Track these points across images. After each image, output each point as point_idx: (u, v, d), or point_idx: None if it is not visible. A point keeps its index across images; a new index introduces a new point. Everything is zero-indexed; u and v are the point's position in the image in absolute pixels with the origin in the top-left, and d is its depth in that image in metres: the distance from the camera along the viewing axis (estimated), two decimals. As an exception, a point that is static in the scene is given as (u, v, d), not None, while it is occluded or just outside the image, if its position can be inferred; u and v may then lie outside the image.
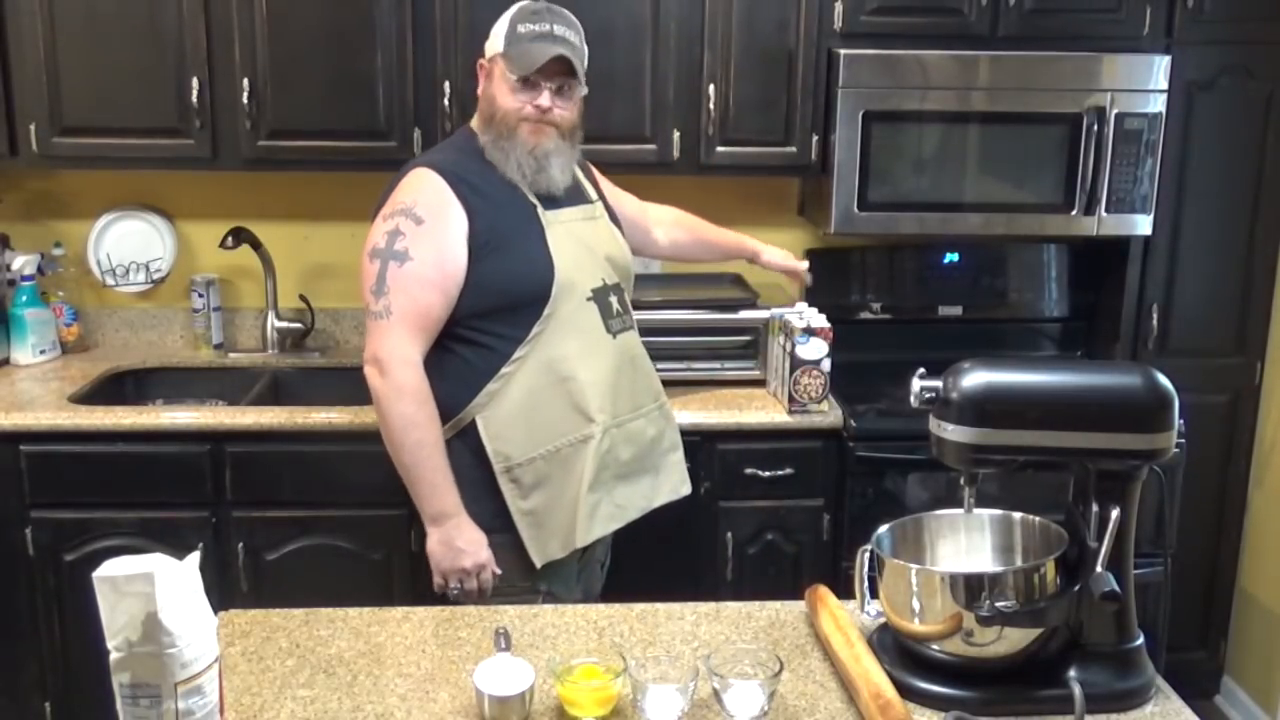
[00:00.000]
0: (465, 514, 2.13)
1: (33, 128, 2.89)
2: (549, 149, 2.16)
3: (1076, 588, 1.51)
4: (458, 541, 2.12)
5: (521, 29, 2.13)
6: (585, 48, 2.21)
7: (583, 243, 2.23)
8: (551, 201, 2.21)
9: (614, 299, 2.25)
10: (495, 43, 2.18)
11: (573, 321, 2.16)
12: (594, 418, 2.17)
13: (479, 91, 2.23)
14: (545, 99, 2.14)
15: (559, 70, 2.14)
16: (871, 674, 1.51)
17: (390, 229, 2.09)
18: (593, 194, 2.36)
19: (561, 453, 2.17)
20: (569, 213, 2.24)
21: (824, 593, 1.74)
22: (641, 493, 2.28)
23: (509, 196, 2.17)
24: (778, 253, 2.80)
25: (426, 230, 2.08)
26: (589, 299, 2.19)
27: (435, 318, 2.11)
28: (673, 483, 2.36)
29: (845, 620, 1.65)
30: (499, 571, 2.16)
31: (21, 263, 3.14)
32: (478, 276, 2.11)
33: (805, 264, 2.82)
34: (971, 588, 1.49)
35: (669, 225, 2.73)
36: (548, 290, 2.13)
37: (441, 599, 2.14)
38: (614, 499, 2.22)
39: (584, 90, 2.23)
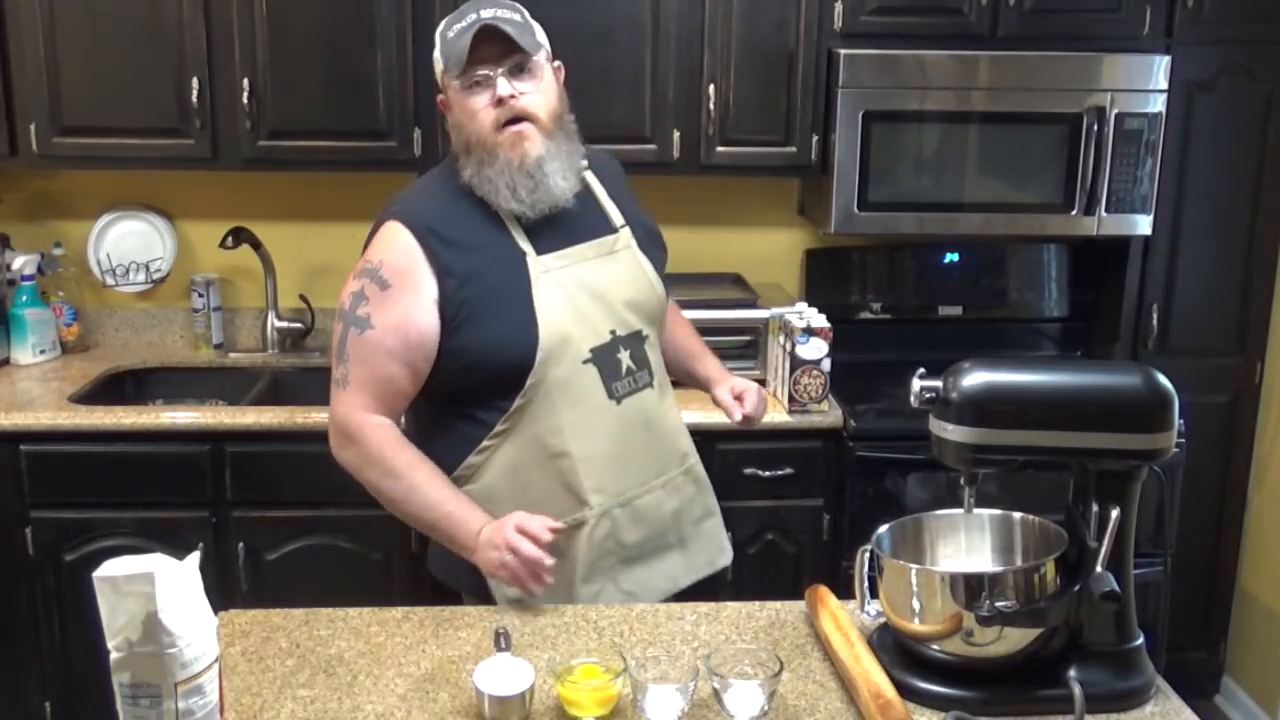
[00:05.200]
0: (484, 532, 1.82)
1: (33, 128, 2.89)
2: (539, 155, 1.85)
3: (1076, 588, 1.51)
4: (489, 552, 1.80)
5: (450, 33, 1.87)
6: (534, 23, 1.90)
7: (588, 290, 1.92)
8: (552, 239, 1.91)
9: (625, 354, 1.93)
10: (437, 65, 1.91)
11: (566, 389, 1.88)
12: (588, 500, 1.90)
13: (450, 128, 1.95)
14: (502, 87, 1.83)
15: (502, 50, 1.83)
16: (871, 674, 1.51)
17: (355, 290, 1.87)
18: (617, 219, 2.01)
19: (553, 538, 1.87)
20: (576, 252, 1.93)
21: (824, 593, 1.74)
22: (664, 574, 1.99)
23: (492, 244, 1.89)
24: (728, 389, 2.15)
25: (391, 296, 1.85)
26: (586, 361, 1.89)
27: (399, 389, 1.88)
28: (708, 554, 2.08)
29: (845, 620, 1.65)
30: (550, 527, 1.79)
31: (21, 263, 3.14)
32: (451, 349, 1.86)
33: (745, 409, 2.10)
34: (971, 588, 1.49)
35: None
36: (530, 359, 1.85)
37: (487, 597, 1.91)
38: (621, 587, 1.95)
39: (546, 64, 1.90)
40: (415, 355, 1.86)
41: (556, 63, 1.95)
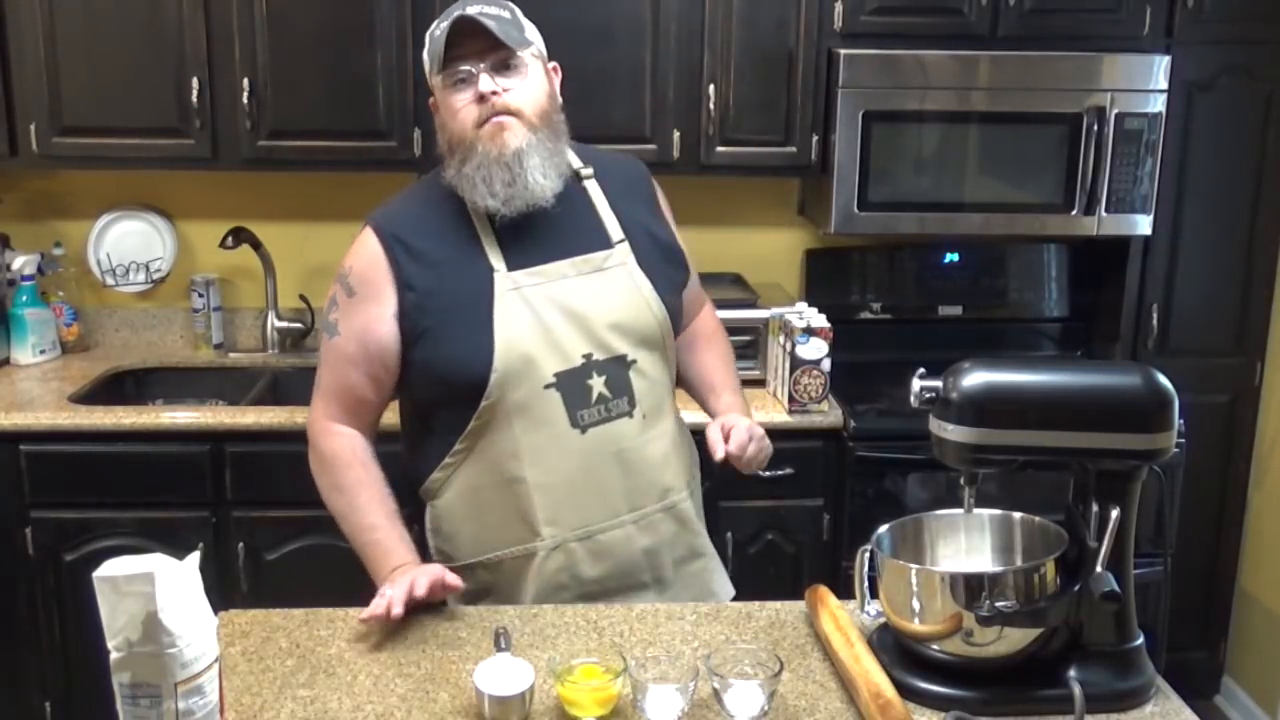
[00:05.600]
0: (398, 571, 1.79)
1: (33, 128, 2.89)
2: (518, 147, 1.77)
3: (1076, 588, 1.50)
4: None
5: (436, 31, 1.81)
6: (524, 21, 1.84)
7: (564, 309, 1.81)
8: (530, 254, 1.83)
9: (599, 380, 1.81)
10: (425, 65, 1.86)
11: (525, 413, 1.79)
12: (540, 530, 1.82)
13: (437, 128, 1.89)
14: (484, 83, 1.76)
15: (485, 46, 1.77)
16: (871, 674, 1.51)
17: (331, 294, 1.88)
18: (615, 232, 1.89)
19: (505, 565, 1.86)
20: (554, 268, 1.83)
21: (824, 593, 1.74)
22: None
23: (460, 257, 1.82)
24: (719, 426, 1.90)
25: (356, 303, 1.84)
26: (549, 385, 1.79)
27: (361, 397, 1.86)
28: (691, 595, 1.92)
29: (845, 620, 1.65)
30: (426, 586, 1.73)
31: (21, 263, 3.14)
32: (411, 362, 1.83)
33: (729, 447, 1.86)
34: (971, 588, 1.49)
35: (696, 321, 2.13)
36: (484, 380, 1.77)
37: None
38: None
39: (536, 61, 1.82)
40: (375, 365, 1.84)
41: (553, 64, 1.89)
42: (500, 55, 1.78)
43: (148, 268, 3.29)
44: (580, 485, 1.82)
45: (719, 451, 1.85)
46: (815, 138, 2.99)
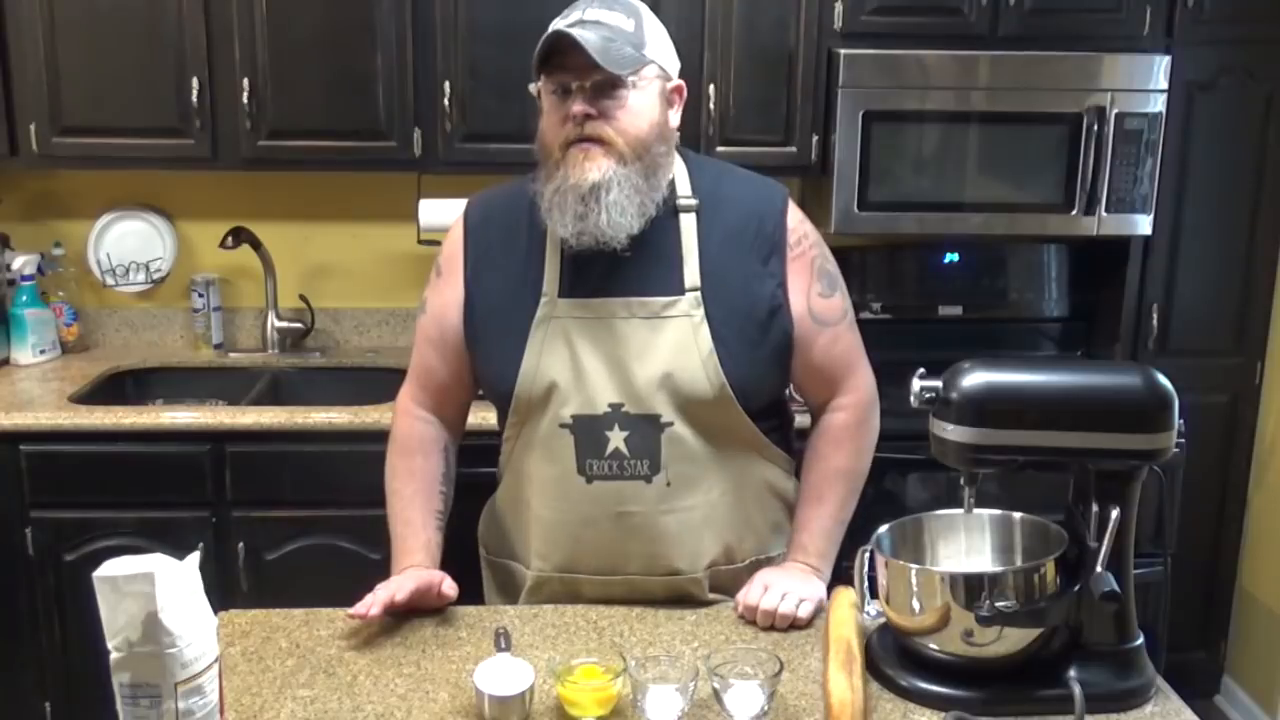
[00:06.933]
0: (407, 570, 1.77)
1: (33, 128, 2.89)
2: (597, 181, 1.63)
3: (1076, 588, 1.51)
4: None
5: (551, 27, 1.67)
6: (647, 35, 1.70)
7: (602, 351, 1.71)
8: (589, 283, 1.71)
9: (619, 435, 1.70)
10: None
11: (543, 445, 1.75)
12: (530, 559, 1.82)
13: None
14: (577, 104, 1.63)
15: (589, 61, 1.61)
16: (830, 683, 1.50)
17: (430, 272, 1.88)
18: (691, 278, 1.71)
19: (514, 574, 1.89)
20: (603, 305, 1.71)
21: (838, 596, 1.72)
22: None
23: (521, 268, 1.75)
24: (756, 579, 1.79)
25: (438, 284, 1.84)
26: (565, 425, 1.72)
27: (440, 381, 1.86)
28: None
29: (840, 618, 1.64)
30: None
31: (21, 263, 3.14)
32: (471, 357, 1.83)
33: (746, 602, 1.76)
34: (971, 588, 1.49)
35: (828, 417, 1.98)
36: (507, 402, 1.76)
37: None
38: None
39: (652, 81, 1.69)
40: (449, 349, 1.83)
41: (674, 82, 1.74)
42: (605, 75, 1.63)
43: (148, 268, 3.29)
44: (577, 533, 1.77)
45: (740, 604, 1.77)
46: (815, 138, 2.99)
